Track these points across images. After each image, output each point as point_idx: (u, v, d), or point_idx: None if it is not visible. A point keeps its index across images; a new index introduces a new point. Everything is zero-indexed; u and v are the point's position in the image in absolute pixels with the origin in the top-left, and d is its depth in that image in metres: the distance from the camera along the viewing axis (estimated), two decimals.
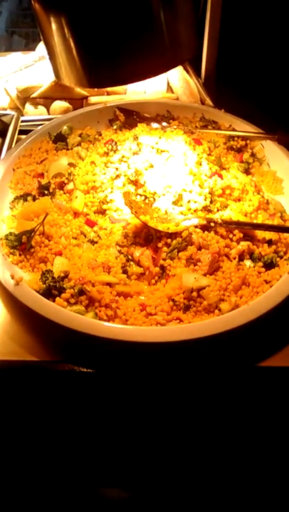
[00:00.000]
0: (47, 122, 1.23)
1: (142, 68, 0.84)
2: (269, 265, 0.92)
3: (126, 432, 0.93)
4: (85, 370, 0.81)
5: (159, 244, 0.94)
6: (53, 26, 0.80)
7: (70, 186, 1.05)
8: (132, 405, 0.89)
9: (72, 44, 0.80)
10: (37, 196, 1.03)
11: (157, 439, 0.95)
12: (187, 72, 1.55)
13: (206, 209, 1.00)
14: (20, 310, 0.84)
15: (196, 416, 0.91)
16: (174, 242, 0.93)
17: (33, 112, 1.38)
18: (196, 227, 0.95)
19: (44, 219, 0.94)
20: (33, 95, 1.37)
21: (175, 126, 1.20)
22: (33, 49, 1.59)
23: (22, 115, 1.38)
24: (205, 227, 0.96)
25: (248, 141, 1.18)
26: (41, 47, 1.54)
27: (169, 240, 0.94)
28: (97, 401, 0.88)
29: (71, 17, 0.78)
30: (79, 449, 0.97)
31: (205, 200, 1.01)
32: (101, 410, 0.90)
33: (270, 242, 0.96)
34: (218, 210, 1.01)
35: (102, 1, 0.76)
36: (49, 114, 1.39)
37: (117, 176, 1.06)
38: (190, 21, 0.88)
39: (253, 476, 1.01)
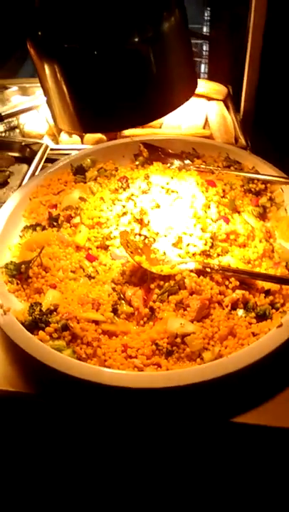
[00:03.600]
0: (75, 152, 1.27)
1: (135, 116, 0.85)
2: (261, 316, 0.90)
3: (98, 471, 0.93)
4: (58, 405, 0.82)
5: (152, 286, 0.94)
6: (47, 71, 0.82)
7: (76, 220, 1.07)
8: (106, 444, 0.89)
9: (65, 90, 0.82)
10: (47, 227, 1.07)
11: (130, 480, 0.94)
12: (227, 107, 1.55)
13: (205, 253, 0.99)
14: (4, 339, 0.87)
15: (167, 463, 0.90)
16: (166, 284, 0.93)
17: (66, 141, 1.43)
18: (191, 271, 0.95)
19: (41, 251, 0.97)
20: None
21: (192, 167, 1.19)
22: None
23: (57, 143, 1.43)
24: (201, 272, 0.95)
25: (268, 185, 1.15)
26: None
27: (162, 282, 0.94)
28: (72, 436, 0.89)
29: (63, 65, 0.80)
30: (53, 482, 0.98)
31: (205, 244, 1.00)
32: (76, 445, 0.91)
33: (267, 293, 0.94)
34: (218, 256, 1.00)
35: (95, 50, 0.77)
36: (82, 143, 1.43)
37: (124, 214, 1.07)
38: (187, 66, 0.88)
39: None
